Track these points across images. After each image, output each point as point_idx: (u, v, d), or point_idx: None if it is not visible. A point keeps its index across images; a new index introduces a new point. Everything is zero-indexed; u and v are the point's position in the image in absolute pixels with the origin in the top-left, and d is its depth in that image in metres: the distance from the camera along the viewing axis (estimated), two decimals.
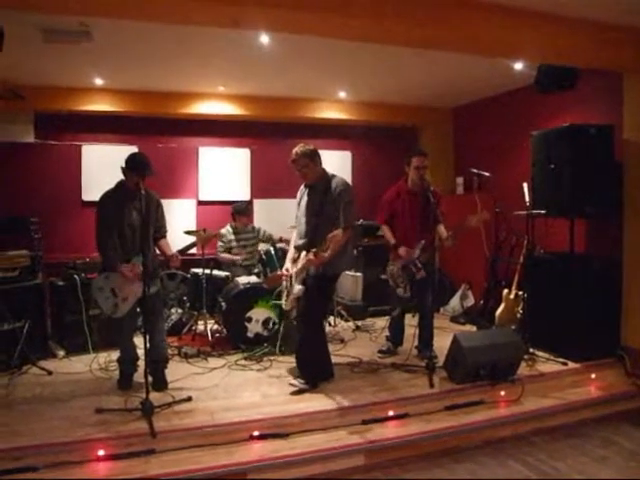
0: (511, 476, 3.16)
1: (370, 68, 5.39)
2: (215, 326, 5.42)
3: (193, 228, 5.86)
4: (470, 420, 3.59)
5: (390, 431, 3.43)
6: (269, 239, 5.92)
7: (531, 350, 4.54)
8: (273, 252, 5.64)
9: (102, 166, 6.12)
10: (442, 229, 4.41)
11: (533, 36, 3.90)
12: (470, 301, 6.31)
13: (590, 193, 4.48)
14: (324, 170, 3.95)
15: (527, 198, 4.87)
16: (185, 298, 5.74)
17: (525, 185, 4.93)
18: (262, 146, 7.11)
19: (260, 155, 7.10)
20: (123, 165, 3.74)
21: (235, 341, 4.91)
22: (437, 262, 4.53)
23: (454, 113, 7.51)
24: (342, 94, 6.53)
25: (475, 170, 5.96)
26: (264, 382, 4.09)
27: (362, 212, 5.88)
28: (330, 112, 6.91)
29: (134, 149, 5.57)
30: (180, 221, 6.24)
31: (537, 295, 4.76)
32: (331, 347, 4.50)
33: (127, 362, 3.97)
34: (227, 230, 5.81)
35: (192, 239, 4.68)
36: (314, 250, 3.67)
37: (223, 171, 6.97)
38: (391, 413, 3.55)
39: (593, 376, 4.30)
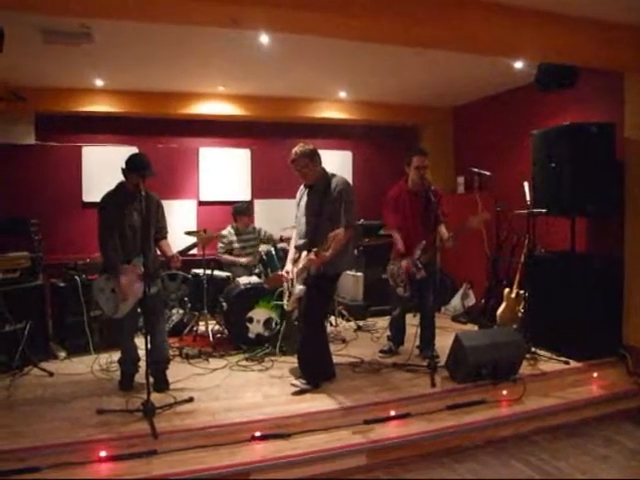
0: (514, 476, 3.15)
1: (370, 68, 5.39)
2: (216, 327, 5.42)
3: (194, 229, 5.85)
4: (472, 419, 3.59)
5: (392, 431, 3.42)
6: (270, 239, 5.91)
7: (533, 349, 4.53)
8: (274, 252, 5.64)
9: (102, 167, 6.13)
10: (443, 229, 4.40)
11: (533, 35, 3.89)
12: (471, 300, 6.31)
13: (591, 192, 4.47)
14: (324, 170, 3.94)
15: (528, 197, 4.88)
16: (186, 299, 5.73)
17: (526, 184, 4.93)
18: (262, 146, 7.11)
19: (260, 155, 7.10)
20: (123, 166, 3.74)
21: (236, 342, 4.91)
22: (438, 262, 4.52)
23: (454, 112, 7.50)
24: (342, 94, 6.53)
25: (476, 169, 5.97)
26: (266, 382, 4.09)
27: (362, 212, 5.87)
28: (330, 112, 6.91)
29: (134, 150, 5.56)
30: (181, 222, 6.24)
31: (538, 294, 4.76)
32: (332, 347, 4.50)
33: (128, 363, 3.97)
34: (229, 231, 5.80)
35: (193, 240, 4.69)
36: (315, 250, 3.67)
37: (223, 171, 6.97)
38: (393, 413, 3.55)
39: (595, 375, 4.30)
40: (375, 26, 3.58)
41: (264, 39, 4.14)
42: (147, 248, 3.76)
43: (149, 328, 3.58)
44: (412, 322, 4.99)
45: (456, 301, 6.45)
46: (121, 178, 3.81)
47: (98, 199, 3.87)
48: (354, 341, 5.33)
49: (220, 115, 6.58)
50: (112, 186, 3.87)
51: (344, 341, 5.24)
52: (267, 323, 4.88)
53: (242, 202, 6.29)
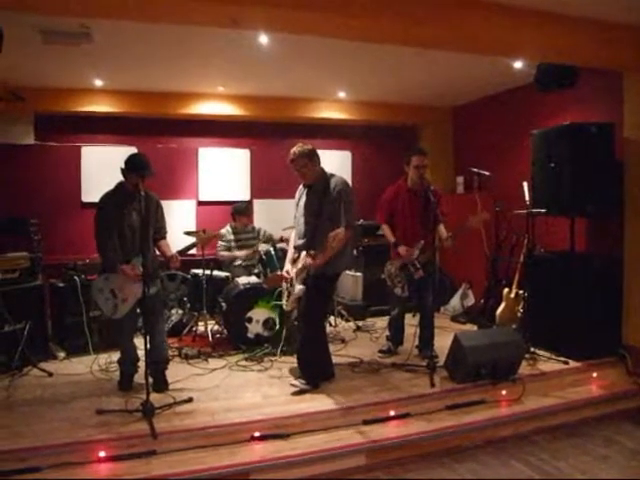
0: (514, 476, 3.15)
1: (370, 68, 5.39)
2: (215, 327, 5.42)
3: (193, 229, 5.86)
4: (471, 419, 3.59)
5: (391, 431, 3.42)
6: (269, 239, 5.91)
7: (532, 349, 4.53)
8: (273, 252, 5.64)
9: (102, 167, 6.12)
10: (442, 229, 4.41)
11: (533, 35, 3.89)
12: (470, 300, 6.31)
13: (590, 192, 4.47)
14: (323, 170, 3.94)
15: (527, 197, 4.87)
16: (185, 299, 5.73)
17: (525, 184, 4.93)
18: (262, 146, 7.11)
19: (260, 155, 7.09)
20: (123, 166, 3.74)
21: (235, 342, 4.91)
22: (437, 262, 4.52)
23: (454, 112, 7.50)
24: (342, 94, 6.53)
25: (475, 169, 5.96)
26: (265, 383, 4.09)
27: (362, 212, 5.86)
28: (330, 112, 6.91)
29: (134, 150, 5.55)
30: (180, 222, 6.23)
31: (538, 294, 4.76)
32: (332, 347, 4.50)
33: (127, 363, 3.96)
34: (227, 230, 5.81)
35: (192, 240, 4.68)
36: (312, 252, 3.67)
37: (223, 171, 6.96)
38: (392, 413, 3.55)
39: (594, 375, 4.30)
40: (375, 26, 3.58)
41: (264, 39, 4.14)
42: (146, 248, 3.76)
43: (148, 328, 3.58)
44: (411, 322, 4.99)
45: (455, 301, 6.45)
46: (120, 178, 3.81)
47: (97, 199, 3.86)
48: (353, 341, 5.33)
49: (220, 115, 6.58)
50: (111, 186, 3.87)
51: (343, 341, 5.24)
52: (266, 323, 4.87)
53: (241, 202, 6.29)
